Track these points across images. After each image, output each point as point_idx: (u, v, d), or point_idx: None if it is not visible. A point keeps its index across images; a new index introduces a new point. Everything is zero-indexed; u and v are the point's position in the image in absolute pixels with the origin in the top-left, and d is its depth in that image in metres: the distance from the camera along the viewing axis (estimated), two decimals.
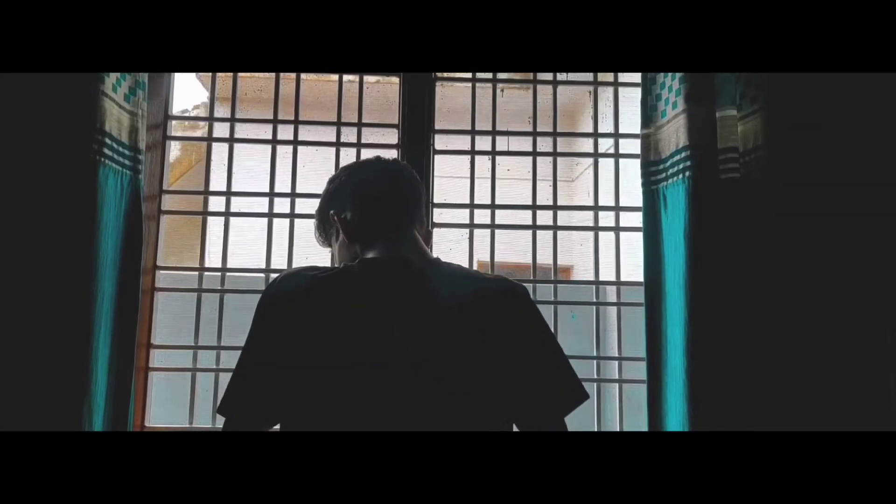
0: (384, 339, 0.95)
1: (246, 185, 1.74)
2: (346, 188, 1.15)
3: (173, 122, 1.68)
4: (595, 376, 1.72)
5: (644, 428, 1.46)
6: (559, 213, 1.74)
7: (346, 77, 1.74)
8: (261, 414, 0.97)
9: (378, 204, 1.11)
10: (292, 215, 1.69)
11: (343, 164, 1.70)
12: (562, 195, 1.77)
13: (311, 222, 1.67)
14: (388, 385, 0.93)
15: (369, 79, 1.78)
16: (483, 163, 1.76)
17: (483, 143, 1.76)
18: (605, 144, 1.81)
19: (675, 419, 1.37)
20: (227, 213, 1.69)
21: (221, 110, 1.75)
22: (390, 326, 0.95)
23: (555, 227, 1.72)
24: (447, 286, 1.01)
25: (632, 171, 1.61)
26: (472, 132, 1.74)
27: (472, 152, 1.74)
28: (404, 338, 0.95)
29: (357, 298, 0.98)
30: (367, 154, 1.72)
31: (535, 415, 1.00)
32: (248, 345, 0.99)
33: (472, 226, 1.72)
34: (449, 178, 2.12)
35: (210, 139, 1.74)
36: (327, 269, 1.02)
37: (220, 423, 1.57)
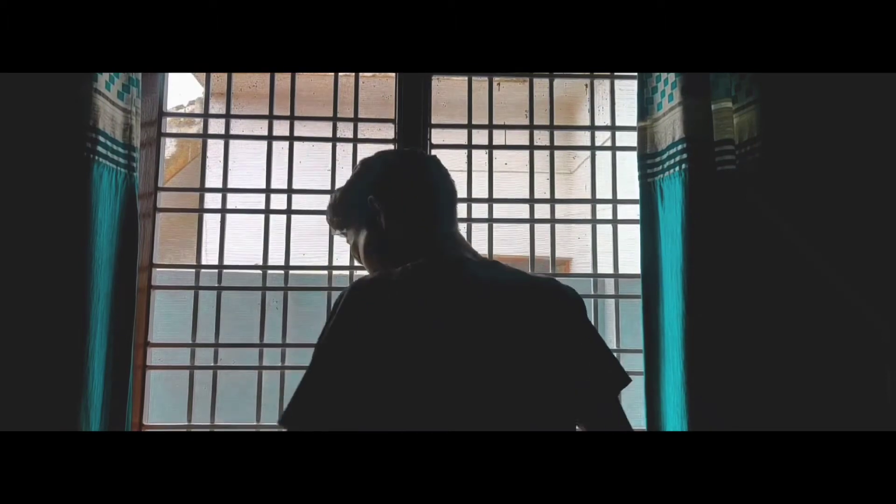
0: (469, 344, 0.92)
1: (242, 181, 1.73)
2: (390, 175, 1.07)
3: (168, 119, 1.67)
4: None
5: (643, 419, 1.46)
6: (557, 206, 1.74)
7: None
8: (335, 419, 0.89)
9: (429, 197, 1.05)
10: (289, 211, 1.68)
11: (339, 159, 1.71)
12: (559, 188, 1.77)
13: (311, 216, 1.64)
14: (477, 390, 0.91)
15: (365, 73, 1.77)
16: (480, 157, 1.75)
17: (480, 136, 1.76)
18: (602, 137, 1.80)
19: (673, 411, 1.37)
20: (224, 210, 1.68)
21: (216, 106, 1.74)
22: (473, 330, 0.93)
23: (552, 221, 1.72)
24: (514, 286, 1.00)
25: (629, 164, 1.61)
26: (469, 126, 1.73)
27: (469, 146, 1.73)
28: (488, 342, 0.93)
29: (438, 301, 0.93)
30: (363, 150, 1.72)
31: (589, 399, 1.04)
32: (328, 350, 0.91)
33: (469, 220, 1.71)
34: None
35: (205, 136, 1.73)
36: (400, 273, 0.94)
37: (216, 420, 1.58)
